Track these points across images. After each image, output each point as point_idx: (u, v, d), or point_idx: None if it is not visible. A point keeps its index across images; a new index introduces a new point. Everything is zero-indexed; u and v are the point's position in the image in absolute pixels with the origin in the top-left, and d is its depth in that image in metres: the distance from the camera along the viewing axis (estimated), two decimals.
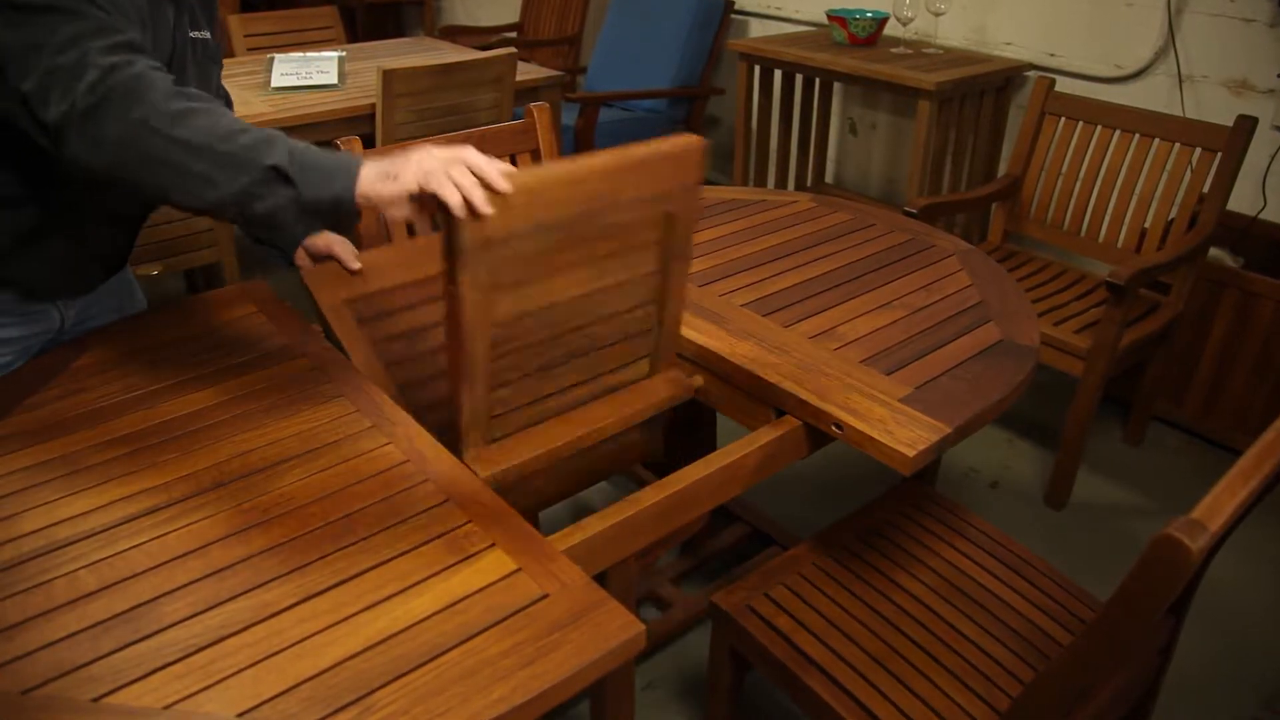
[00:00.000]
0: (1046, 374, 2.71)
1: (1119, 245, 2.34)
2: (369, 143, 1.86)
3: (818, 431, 1.24)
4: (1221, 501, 0.82)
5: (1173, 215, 2.25)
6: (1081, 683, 0.94)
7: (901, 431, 1.16)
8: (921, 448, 1.13)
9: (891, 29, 3.17)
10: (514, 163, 1.91)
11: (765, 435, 1.23)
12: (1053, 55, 2.86)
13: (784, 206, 1.90)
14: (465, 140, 1.85)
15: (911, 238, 1.75)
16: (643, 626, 0.86)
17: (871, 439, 1.15)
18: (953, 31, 3.09)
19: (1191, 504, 0.81)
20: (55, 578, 0.90)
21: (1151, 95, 2.65)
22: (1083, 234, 2.40)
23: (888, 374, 1.29)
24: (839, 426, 1.19)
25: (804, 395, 1.24)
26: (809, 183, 3.48)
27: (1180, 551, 0.77)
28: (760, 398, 1.29)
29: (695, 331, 1.39)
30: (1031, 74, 2.90)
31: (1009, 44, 2.96)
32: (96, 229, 1.28)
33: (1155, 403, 2.39)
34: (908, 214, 2.14)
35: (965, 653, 1.24)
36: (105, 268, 1.35)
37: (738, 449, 1.20)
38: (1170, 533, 0.77)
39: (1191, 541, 0.76)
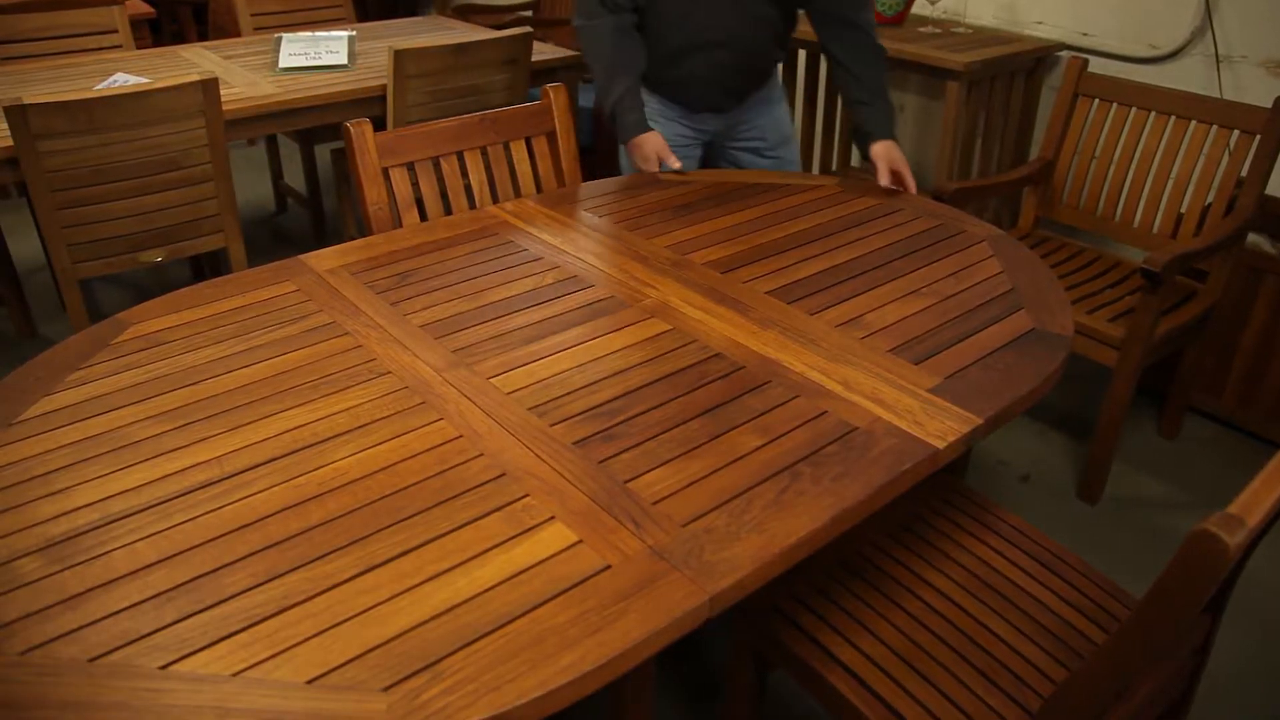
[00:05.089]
0: (1079, 364, 2.67)
1: (1154, 231, 2.28)
2: (380, 125, 1.83)
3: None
4: (1260, 496, 0.81)
5: (1210, 200, 2.19)
6: (1116, 682, 0.92)
7: (931, 423, 1.12)
8: (951, 440, 1.10)
9: (919, 7, 3.11)
10: (529, 145, 1.89)
11: None
12: (1085, 35, 2.79)
13: (809, 190, 1.86)
14: (480, 122, 1.83)
15: (940, 223, 1.71)
16: (707, 596, 0.87)
17: (900, 430, 1.12)
18: (982, 10, 3.03)
19: (1229, 498, 0.80)
20: (114, 549, 0.92)
21: (1188, 76, 2.58)
22: (1117, 219, 2.35)
23: (916, 363, 1.26)
24: None
25: (830, 386, 1.20)
26: (834, 166, 3.42)
27: (1217, 547, 0.76)
28: None
29: (717, 320, 1.36)
30: (1064, 54, 2.84)
31: (1040, 23, 2.90)
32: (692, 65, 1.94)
33: (1191, 393, 2.34)
34: (937, 198, 2.10)
35: (995, 651, 1.21)
36: (724, 93, 1.99)
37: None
38: (1207, 528, 0.76)
39: (1229, 537, 0.75)
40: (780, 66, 2.13)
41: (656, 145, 1.89)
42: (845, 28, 1.87)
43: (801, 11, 1.97)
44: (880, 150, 1.87)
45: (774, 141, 2.12)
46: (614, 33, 1.84)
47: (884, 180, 1.84)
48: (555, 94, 1.90)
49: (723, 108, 2.03)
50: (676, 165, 1.87)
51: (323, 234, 3.45)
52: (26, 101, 1.90)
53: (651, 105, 2.00)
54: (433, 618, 0.84)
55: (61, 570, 0.89)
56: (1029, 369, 1.24)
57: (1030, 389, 1.20)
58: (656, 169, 1.89)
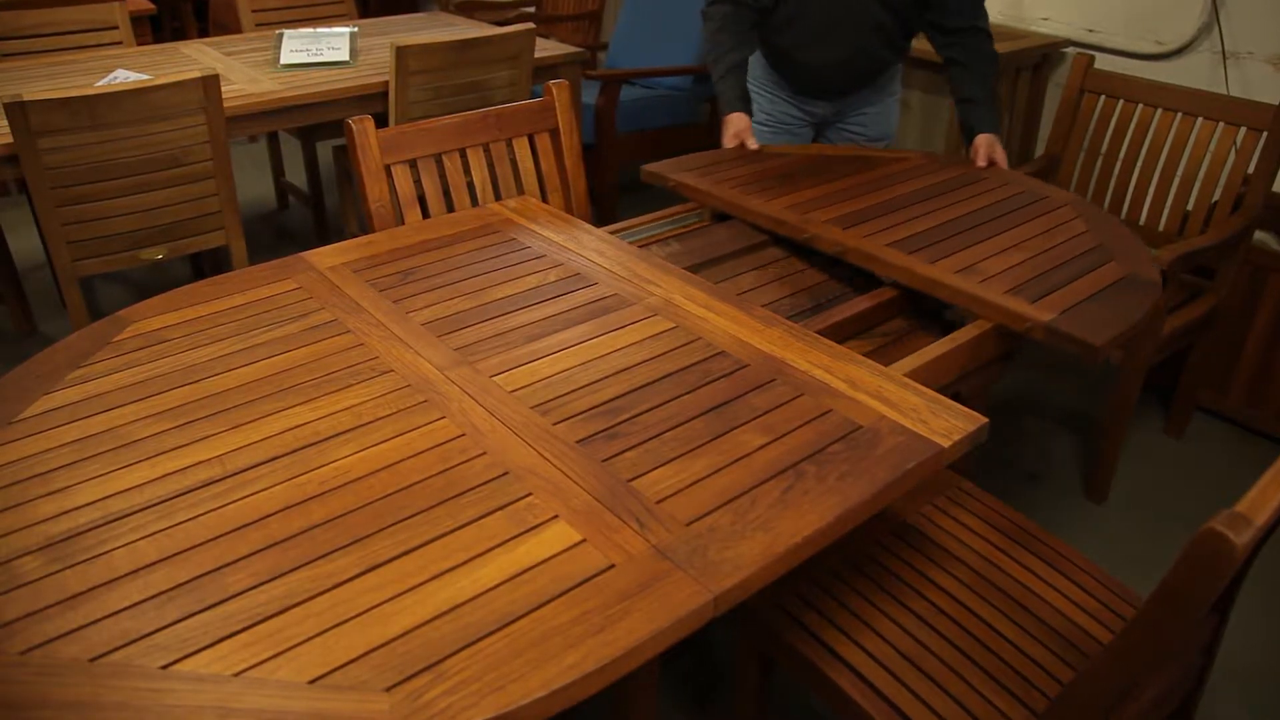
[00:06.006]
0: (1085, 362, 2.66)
1: (1160, 229, 2.27)
2: (382, 121, 1.82)
3: (1007, 333, 1.44)
4: (1267, 494, 0.80)
5: (1216, 197, 2.18)
6: (1122, 683, 0.91)
7: (936, 421, 1.12)
8: (956, 438, 1.09)
9: None
10: (532, 142, 1.88)
11: (965, 334, 1.39)
12: (1091, 31, 2.78)
13: (897, 163, 2.01)
14: (482, 119, 1.82)
15: (1024, 190, 1.87)
16: (711, 596, 0.86)
17: (905, 429, 1.11)
18: (987, 6, 3.01)
19: (1236, 497, 0.79)
20: (115, 548, 0.92)
21: (1194, 73, 2.57)
22: (1123, 217, 2.34)
23: (1033, 302, 1.42)
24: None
25: (835, 384, 1.19)
26: None
27: (1225, 546, 0.75)
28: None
29: (720, 317, 1.35)
30: (1070, 50, 2.83)
31: (1046, 19, 2.88)
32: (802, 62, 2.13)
33: (1198, 392, 2.33)
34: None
35: (1001, 651, 1.20)
36: (834, 88, 2.17)
37: (941, 346, 1.36)
38: (1214, 527, 0.75)
39: (1236, 536, 0.75)
40: (900, 66, 2.24)
41: (739, 127, 2.02)
42: (969, 34, 2.01)
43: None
44: (982, 140, 1.99)
45: (873, 134, 2.24)
46: (726, 20, 2.03)
47: (980, 163, 1.98)
48: (558, 90, 1.89)
49: (831, 97, 2.20)
50: (754, 147, 2.01)
51: (324, 231, 3.44)
52: (27, 98, 1.89)
53: (767, 82, 2.22)
54: (435, 617, 0.83)
55: (62, 569, 0.89)
56: (1133, 303, 1.43)
57: (1139, 318, 1.39)
58: (735, 145, 2.02)
